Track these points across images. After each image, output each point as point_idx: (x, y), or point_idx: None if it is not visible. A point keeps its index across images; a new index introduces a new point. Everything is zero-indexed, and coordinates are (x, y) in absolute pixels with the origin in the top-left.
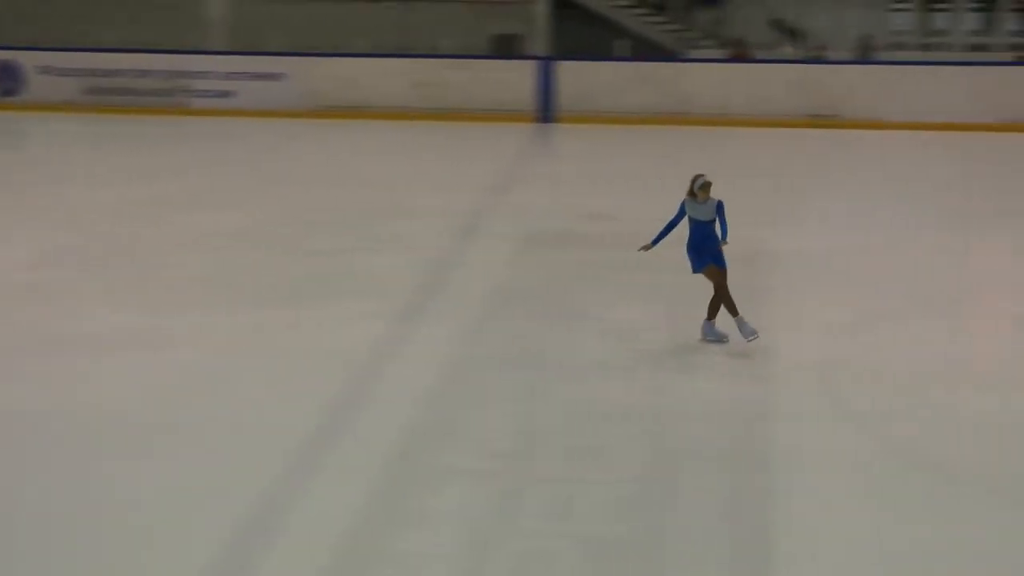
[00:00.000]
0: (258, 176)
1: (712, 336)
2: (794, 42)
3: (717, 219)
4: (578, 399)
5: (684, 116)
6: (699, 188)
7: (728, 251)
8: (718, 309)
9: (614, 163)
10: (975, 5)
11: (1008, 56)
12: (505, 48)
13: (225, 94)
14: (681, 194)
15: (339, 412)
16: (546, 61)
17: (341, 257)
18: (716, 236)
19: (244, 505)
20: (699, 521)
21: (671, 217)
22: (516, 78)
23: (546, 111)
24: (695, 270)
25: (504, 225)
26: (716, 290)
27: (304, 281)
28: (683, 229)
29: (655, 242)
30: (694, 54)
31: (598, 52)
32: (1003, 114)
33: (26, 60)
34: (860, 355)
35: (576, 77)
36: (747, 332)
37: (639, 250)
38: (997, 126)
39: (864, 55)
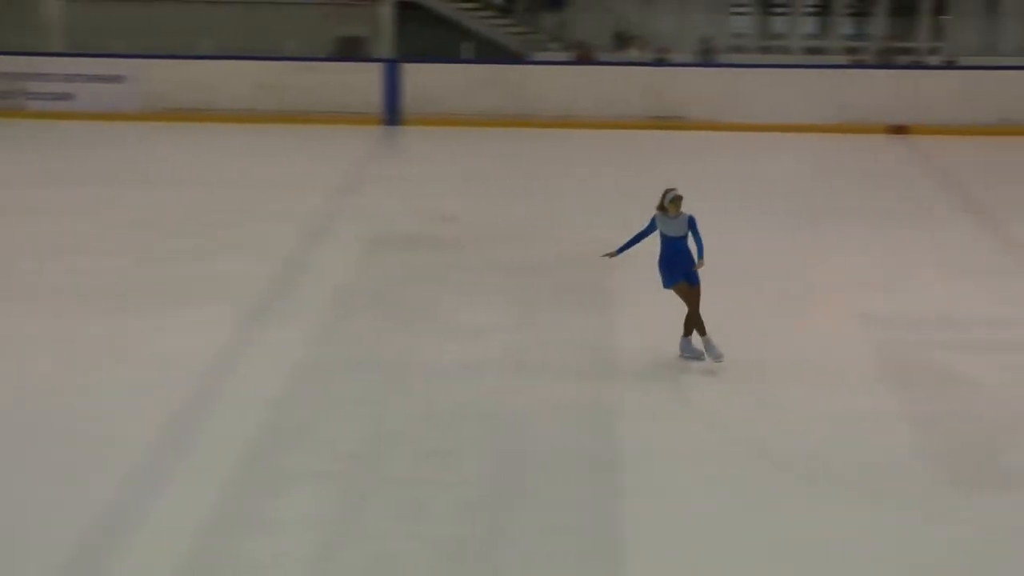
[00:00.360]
0: (100, 181)
1: (688, 353)
2: (636, 47)
3: (690, 234)
4: (427, 401)
5: (530, 118)
6: (669, 202)
7: (577, 253)
8: (693, 326)
9: (461, 165)
10: (811, 9)
11: (843, 59)
12: (350, 50)
13: (64, 96)
14: (524, 197)
15: (187, 417)
16: (392, 63)
17: (189, 262)
18: (689, 252)
19: (92, 513)
20: (548, 520)
21: (640, 229)
22: (362, 80)
23: (392, 113)
24: (665, 285)
25: (352, 227)
26: (688, 307)
27: (152, 287)
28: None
29: (620, 251)
30: (539, 56)
31: (444, 54)
32: (840, 115)
33: None
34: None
35: (422, 79)
36: (714, 354)
37: (602, 256)
38: (835, 127)
39: (705, 58)
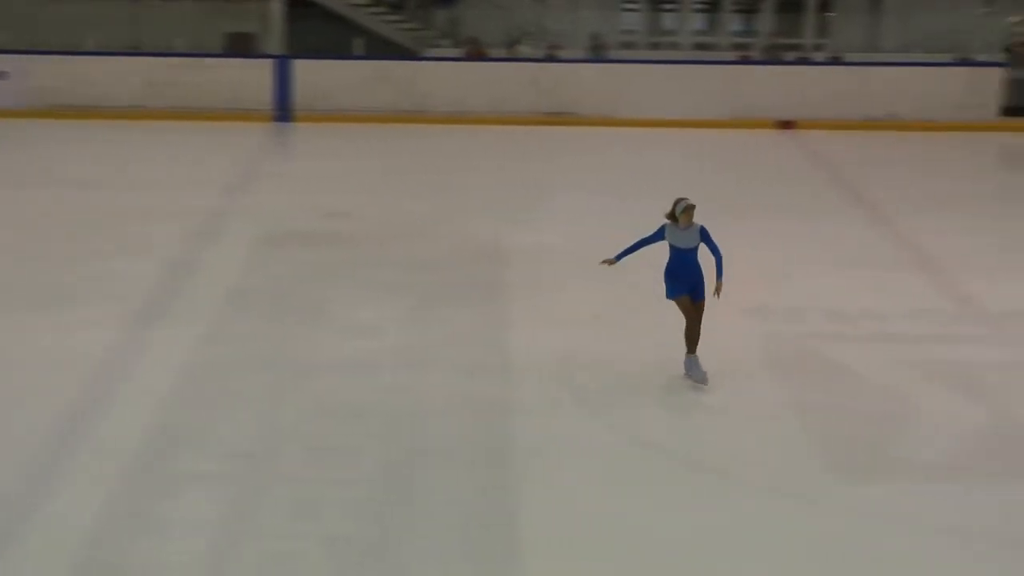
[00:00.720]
0: None
1: (694, 374)
2: (527, 44)
3: (705, 246)
4: (319, 398)
5: (422, 115)
6: (681, 212)
7: (468, 249)
8: (689, 342)
9: (353, 162)
10: (700, 6)
11: (732, 55)
12: (240, 47)
13: None
14: (417, 194)
15: (76, 419)
16: (283, 60)
17: (76, 262)
18: (698, 266)
19: None
20: (442, 517)
21: (646, 234)
22: (252, 77)
23: (283, 110)
24: (668, 296)
25: (244, 225)
26: (687, 322)
27: (38, 287)
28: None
29: (619, 257)
30: (431, 53)
31: (335, 51)
32: (729, 110)
33: None
34: (598, 348)
35: (313, 76)
36: (697, 375)
37: (601, 263)
38: (724, 122)
39: (596, 54)
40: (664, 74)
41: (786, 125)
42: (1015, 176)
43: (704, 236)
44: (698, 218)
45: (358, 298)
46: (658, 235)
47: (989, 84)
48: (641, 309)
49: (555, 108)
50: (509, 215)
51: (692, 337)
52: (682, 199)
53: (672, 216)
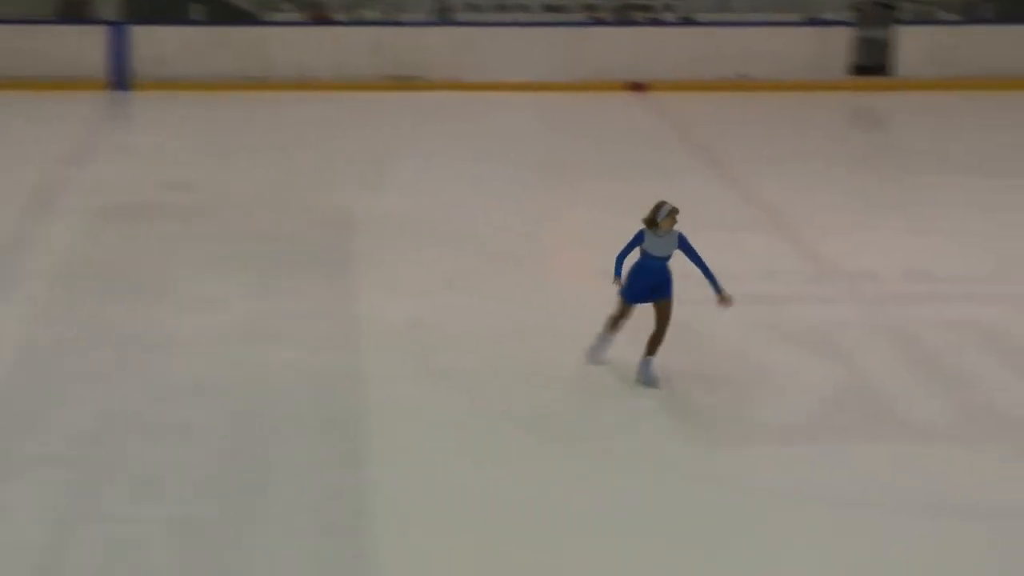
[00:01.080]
0: None
1: (646, 380)
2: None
3: (685, 255)
4: (162, 376)
5: (266, 82)
6: (664, 217)
7: (314, 218)
8: (654, 345)
9: (195, 131)
10: None
11: (581, 16)
12: (73, 13)
13: None
14: (262, 163)
15: None
16: (118, 25)
17: None
18: (668, 273)
19: None
20: (292, 492)
21: (623, 246)
22: (87, 44)
23: (121, 78)
24: (628, 301)
25: (78, 199)
26: (657, 326)
27: None
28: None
29: (618, 274)
30: (273, 17)
31: (174, 16)
32: (579, 73)
33: None
34: (448, 315)
35: (151, 42)
36: (648, 377)
37: (613, 283)
38: (574, 85)
39: (441, 17)
40: (512, 36)
41: (637, 87)
42: (865, 135)
43: (683, 245)
44: (546, 179)
45: (201, 272)
46: (637, 241)
47: (838, 43)
48: (494, 276)
49: (401, 73)
50: (356, 183)
51: (658, 341)
52: (664, 203)
53: (652, 221)
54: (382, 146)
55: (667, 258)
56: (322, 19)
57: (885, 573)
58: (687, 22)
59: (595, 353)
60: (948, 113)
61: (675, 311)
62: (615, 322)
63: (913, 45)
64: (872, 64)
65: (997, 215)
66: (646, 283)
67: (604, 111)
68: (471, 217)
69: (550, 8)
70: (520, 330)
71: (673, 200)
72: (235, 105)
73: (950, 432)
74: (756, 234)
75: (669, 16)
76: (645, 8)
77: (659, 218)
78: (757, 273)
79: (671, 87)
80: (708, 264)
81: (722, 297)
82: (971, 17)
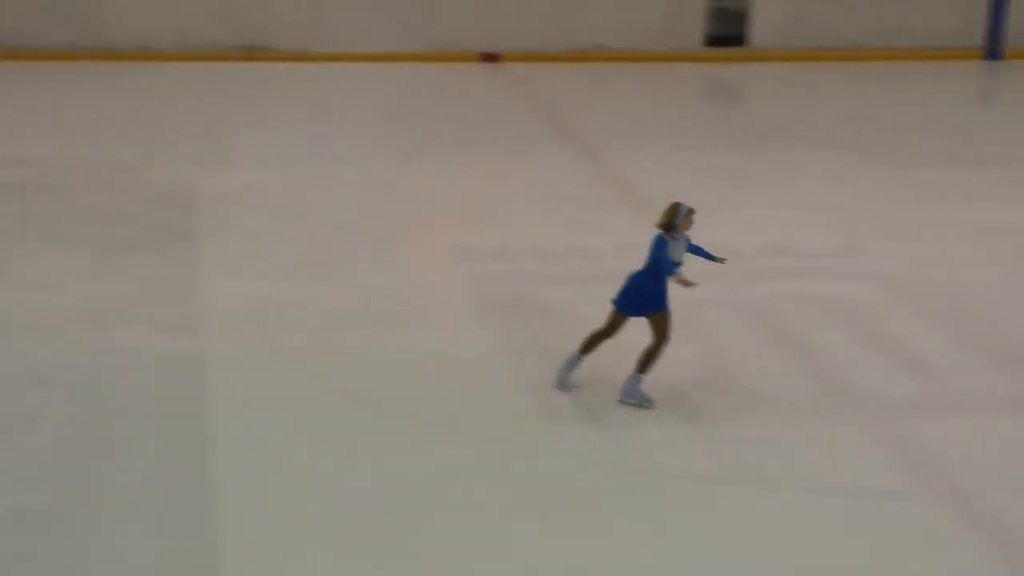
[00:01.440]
0: None
1: (633, 398)
2: None
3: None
4: None
5: (106, 51)
6: (683, 219)
7: (156, 195)
8: (649, 361)
9: (26, 105)
10: None
11: None
12: None
13: None
14: (103, 138)
15: None
16: None
17: None
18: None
19: None
20: (131, 481)
21: (649, 265)
22: None
23: None
24: (626, 313)
25: None
26: (655, 339)
27: None
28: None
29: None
30: None
31: None
32: (431, 43)
33: None
34: (299, 295)
35: None
36: (637, 395)
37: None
38: (426, 55)
39: None
40: (363, 5)
41: (490, 58)
42: (720, 107)
43: (690, 246)
44: (398, 153)
45: (36, 252)
46: (662, 248)
47: (693, 13)
48: (345, 255)
49: (247, 43)
50: (200, 158)
51: (654, 358)
52: (679, 204)
53: (669, 226)
54: (228, 120)
55: (680, 264)
56: None
57: (749, 551)
58: None
59: (564, 377)
60: (804, 85)
61: (529, 289)
62: (599, 341)
63: (769, 16)
64: (728, 35)
65: (853, 188)
66: (650, 294)
67: (457, 82)
68: (321, 194)
69: None
70: (373, 311)
71: (525, 176)
72: (70, 76)
73: (808, 409)
74: (611, 210)
75: None
76: None
77: (678, 221)
78: (612, 249)
79: (525, 58)
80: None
81: (720, 259)
82: None
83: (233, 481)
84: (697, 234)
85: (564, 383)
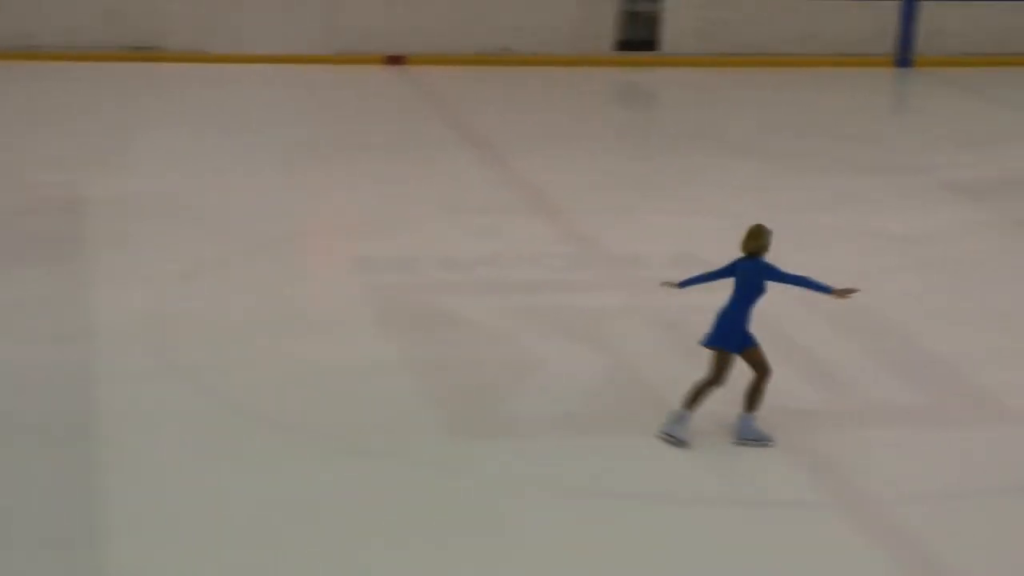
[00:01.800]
0: None
1: (751, 436)
2: None
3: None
4: None
5: None
6: (769, 240)
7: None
8: (756, 398)
9: None
10: None
11: None
12: None
13: None
14: None
15: None
16: None
17: None
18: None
19: None
20: (13, 502)
21: (748, 293)
22: None
23: None
24: (736, 350)
25: None
26: (757, 375)
27: None
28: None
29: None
30: None
31: None
32: (333, 45)
33: None
34: (191, 306)
35: None
36: (759, 436)
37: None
38: (328, 57)
39: None
40: (261, 4)
41: (395, 60)
42: (629, 112)
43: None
44: (298, 159)
45: None
46: (730, 274)
47: (603, 17)
48: (241, 263)
49: (137, 42)
50: (87, 162)
51: (761, 393)
52: (762, 225)
53: (758, 249)
54: (117, 123)
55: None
56: None
57: (623, 563)
58: None
59: (677, 431)
60: (715, 91)
61: (434, 299)
62: (708, 388)
63: (681, 20)
64: (639, 39)
65: (763, 196)
66: (744, 326)
67: (360, 86)
68: (217, 200)
69: None
70: (269, 321)
71: (430, 182)
72: None
73: (716, 419)
74: (519, 217)
75: None
76: None
77: (767, 243)
78: (519, 257)
79: (432, 60)
80: None
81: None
82: None
83: (121, 498)
84: (604, 243)
85: (680, 439)
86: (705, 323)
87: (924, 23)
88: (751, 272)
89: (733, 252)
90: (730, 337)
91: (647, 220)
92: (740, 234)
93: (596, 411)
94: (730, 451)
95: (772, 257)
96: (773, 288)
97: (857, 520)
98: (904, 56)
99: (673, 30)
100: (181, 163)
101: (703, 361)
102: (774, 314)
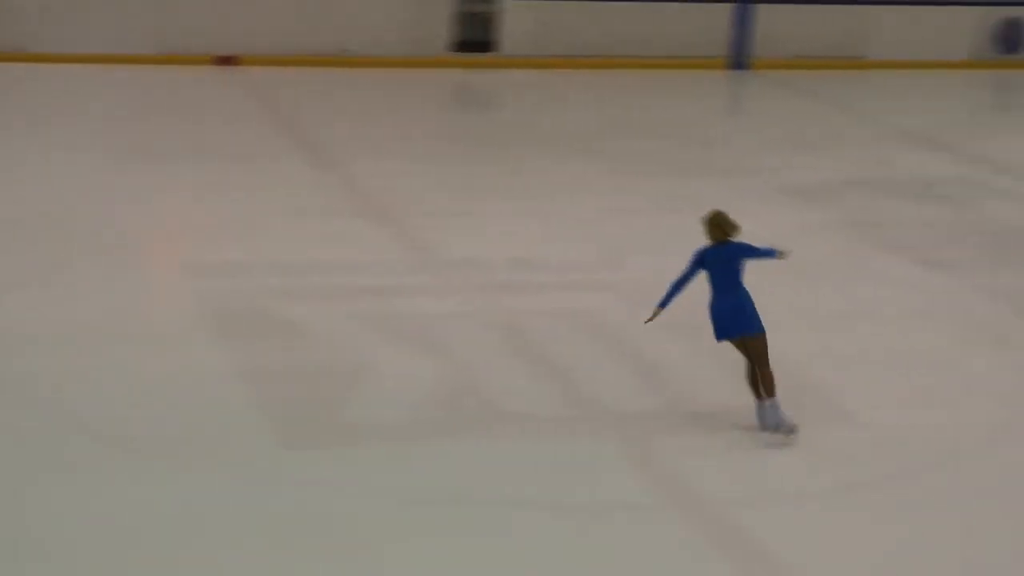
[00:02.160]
0: None
1: (773, 421)
2: None
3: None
4: None
5: None
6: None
7: None
8: (771, 384)
9: None
10: None
11: None
12: None
13: None
14: None
15: None
16: None
17: None
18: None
19: None
20: None
21: (735, 277)
22: None
23: None
24: (734, 334)
25: None
26: (755, 364)
27: None
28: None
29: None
30: None
31: None
32: (161, 45)
33: None
34: (18, 315)
35: None
36: (785, 424)
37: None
38: (155, 58)
39: None
40: (89, 3)
41: (226, 61)
42: (466, 114)
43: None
44: (126, 162)
45: None
46: (753, 248)
47: (440, 18)
48: (64, 270)
49: None
50: None
51: (768, 378)
52: (719, 211)
53: (724, 235)
54: None
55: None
56: None
57: (462, 569)
58: None
59: (777, 422)
60: (552, 92)
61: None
62: (755, 376)
63: (518, 22)
64: (475, 40)
65: (601, 198)
66: (750, 308)
67: (192, 87)
68: (43, 205)
69: None
70: (97, 330)
71: (263, 187)
72: None
73: (552, 424)
74: (354, 222)
75: None
76: None
77: (731, 232)
78: (353, 263)
79: (264, 61)
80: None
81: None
82: None
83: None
84: (441, 246)
85: (788, 425)
86: (540, 326)
87: (760, 26)
88: (725, 256)
89: (567, 255)
90: (739, 319)
91: (484, 223)
92: (575, 237)
93: (434, 417)
94: (566, 454)
95: (607, 257)
96: (611, 293)
97: (696, 523)
98: (739, 59)
99: (511, 31)
100: (4, 167)
101: (541, 364)
102: (608, 316)
